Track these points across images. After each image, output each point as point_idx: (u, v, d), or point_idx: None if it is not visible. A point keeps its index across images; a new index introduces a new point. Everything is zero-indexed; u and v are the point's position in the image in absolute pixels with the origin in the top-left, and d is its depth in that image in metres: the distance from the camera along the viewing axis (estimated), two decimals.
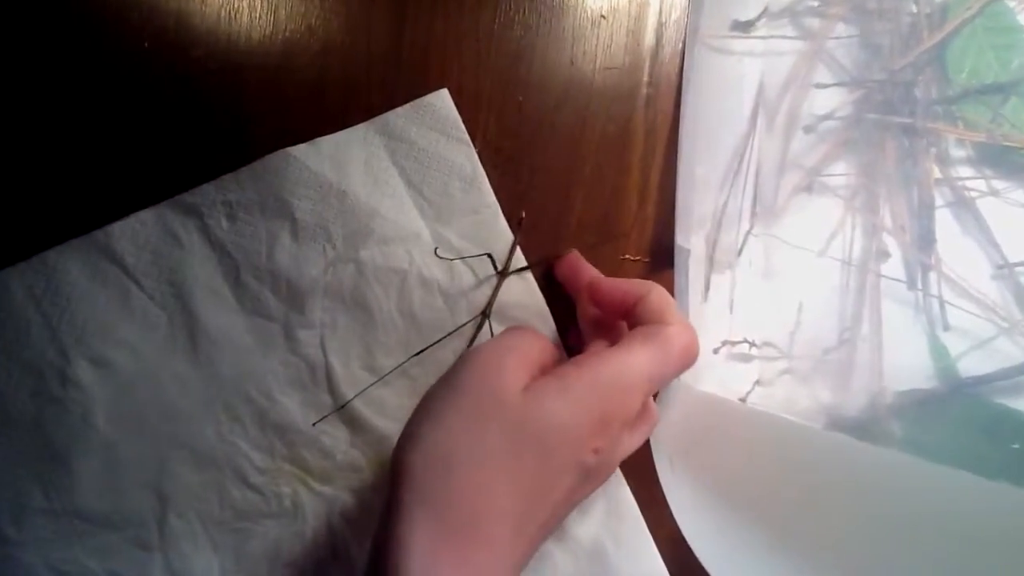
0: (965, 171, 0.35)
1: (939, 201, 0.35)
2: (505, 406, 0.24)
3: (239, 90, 0.33)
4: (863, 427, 0.35)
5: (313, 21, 0.33)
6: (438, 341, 0.33)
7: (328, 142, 0.32)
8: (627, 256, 0.35)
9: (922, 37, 0.34)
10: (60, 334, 0.31)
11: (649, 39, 0.36)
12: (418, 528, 0.22)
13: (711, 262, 0.34)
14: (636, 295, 0.28)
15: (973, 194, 0.35)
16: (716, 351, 0.33)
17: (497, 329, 0.33)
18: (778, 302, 0.34)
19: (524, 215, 0.34)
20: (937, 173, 0.35)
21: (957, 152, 0.35)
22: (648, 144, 0.36)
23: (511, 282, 0.34)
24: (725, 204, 0.34)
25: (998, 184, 0.35)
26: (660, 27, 0.36)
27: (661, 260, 0.35)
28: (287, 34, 0.33)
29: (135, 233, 0.31)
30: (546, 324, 0.34)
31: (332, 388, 0.32)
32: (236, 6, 0.33)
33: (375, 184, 0.33)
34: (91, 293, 0.31)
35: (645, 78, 0.36)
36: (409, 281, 0.33)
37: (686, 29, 0.35)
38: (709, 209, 0.34)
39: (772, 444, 0.28)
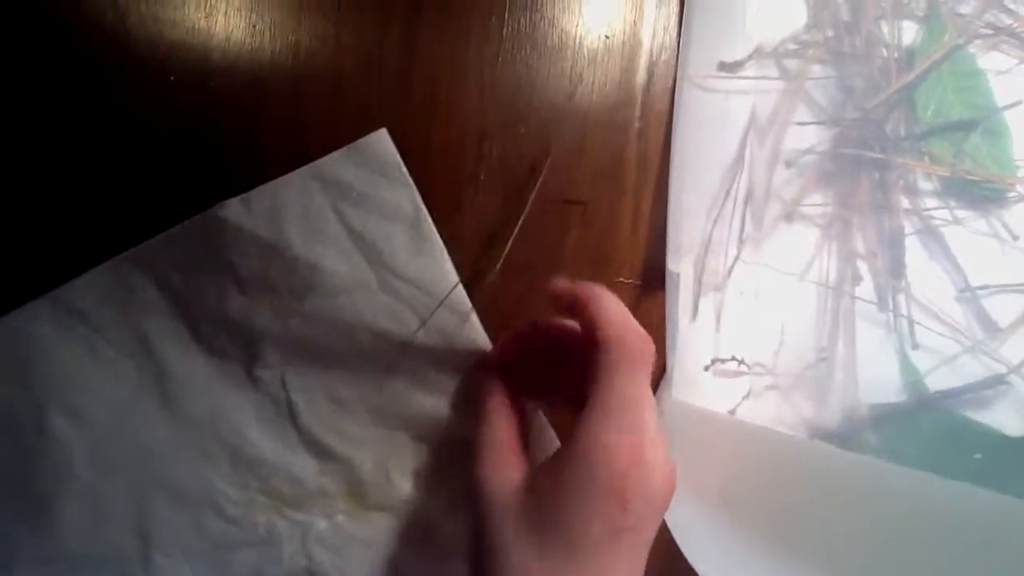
0: (931, 202, 0.38)
1: (908, 229, 0.38)
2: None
3: (255, 119, 0.34)
4: (840, 437, 0.38)
5: (328, 54, 0.35)
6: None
7: (261, 195, 0.32)
8: (620, 279, 0.38)
9: (892, 79, 0.37)
10: (34, 390, 0.31)
11: (641, 77, 0.38)
12: None
13: (699, 285, 0.37)
14: (586, 297, 0.28)
15: (939, 223, 0.38)
16: (707, 368, 0.35)
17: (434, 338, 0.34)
18: (762, 323, 0.37)
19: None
20: (906, 204, 0.38)
21: (924, 185, 0.38)
22: (640, 174, 0.38)
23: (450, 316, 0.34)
24: (712, 231, 0.37)
25: (961, 214, 0.38)
26: (651, 66, 0.38)
27: (652, 283, 0.38)
28: (303, 68, 0.35)
29: (93, 289, 0.32)
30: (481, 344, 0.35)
31: (296, 422, 0.33)
32: (256, 36, 0.35)
33: (315, 233, 0.32)
34: (60, 349, 0.32)
35: (637, 112, 0.38)
36: (358, 331, 0.33)
37: (676, 69, 0.38)
38: (697, 236, 0.37)
39: (760, 454, 0.31)
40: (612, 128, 0.38)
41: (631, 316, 0.28)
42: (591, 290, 0.28)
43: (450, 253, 0.37)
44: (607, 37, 0.38)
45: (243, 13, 0.34)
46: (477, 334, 0.34)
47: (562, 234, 0.38)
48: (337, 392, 0.33)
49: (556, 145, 0.37)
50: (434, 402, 0.34)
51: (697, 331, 0.36)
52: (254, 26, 0.34)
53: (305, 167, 0.32)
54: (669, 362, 0.36)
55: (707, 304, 0.37)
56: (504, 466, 0.28)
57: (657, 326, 0.37)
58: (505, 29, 0.37)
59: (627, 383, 0.26)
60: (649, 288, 0.38)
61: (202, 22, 0.34)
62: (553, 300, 0.30)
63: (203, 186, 0.33)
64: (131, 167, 0.33)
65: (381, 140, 0.33)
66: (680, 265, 0.36)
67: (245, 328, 0.32)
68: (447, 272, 0.34)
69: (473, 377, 0.33)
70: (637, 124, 0.38)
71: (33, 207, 0.33)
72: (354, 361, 0.33)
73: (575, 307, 0.28)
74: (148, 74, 0.33)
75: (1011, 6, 0.38)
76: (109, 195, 0.33)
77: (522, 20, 0.37)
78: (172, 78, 0.34)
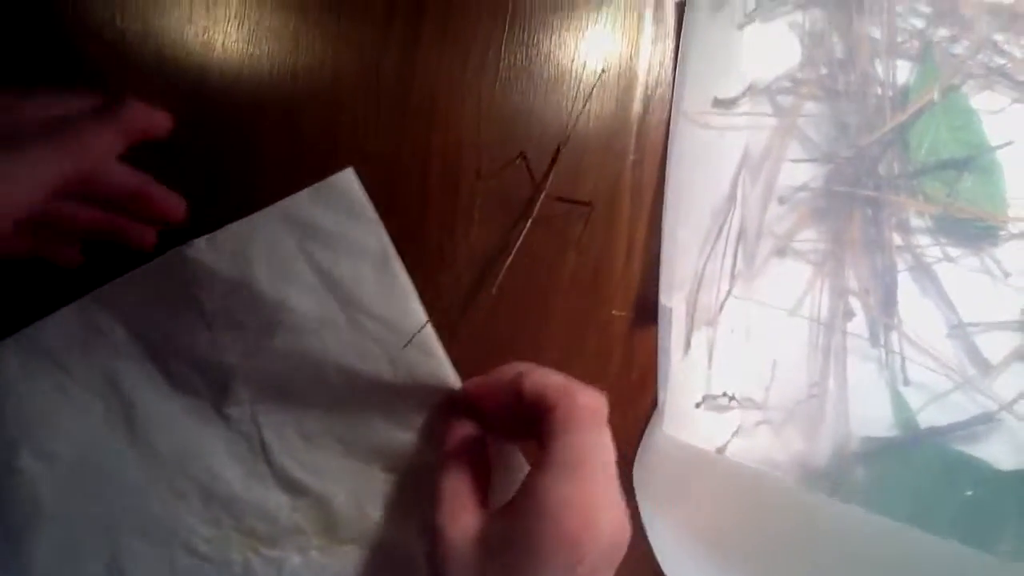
0: (924, 239, 0.38)
1: (900, 266, 0.38)
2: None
3: (255, 138, 0.34)
4: (831, 472, 0.38)
5: (327, 73, 0.35)
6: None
7: (228, 234, 0.32)
8: (614, 311, 0.38)
9: (886, 117, 0.37)
10: (2, 429, 0.32)
11: (637, 110, 0.39)
12: None
13: (692, 320, 0.37)
14: (508, 383, 0.29)
15: (931, 260, 0.38)
16: (698, 405, 0.35)
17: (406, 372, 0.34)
18: (754, 358, 0.37)
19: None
20: (898, 240, 0.38)
21: (917, 222, 0.38)
22: (635, 206, 0.39)
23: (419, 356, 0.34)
24: (705, 266, 0.37)
25: (953, 251, 0.38)
26: (647, 100, 0.39)
27: (645, 316, 0.38)
28: (303, 88, 0.35)
29: (61, 329, 0.32)
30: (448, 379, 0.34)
31: (268, 458, 0.33)
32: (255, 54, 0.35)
33: (282, 272, 0.32)
34: (29, 388, 0.32)
35: (632, 145, 0.39)
36: (327, 368, 0.33)
37: (671, 103, 0.38)
38: (690, 270, 0.37)
39: (746, 495, 0.31)
40: (607, 160, 0.38)
41: (571, 378, 0.29)
42: (515, 370, 0.30)
43: (444, 280, 0.37)
44: (603, 71, 0.39)
45: (241, 37, 0.34)
46: (446, 371, 0.34)
47: (557, 264, 0.38)
48: (308, 427, 0.34)
49: (552, 176, 0.38)
50: (404, 435, 0.34)
51: (689, 366, 0.36)
52: (251, 52, 0.34)
53: (272, 207, 0.32)
54: (661, 397, 0.36)
55: (699, 339, 0.37)
56: (462, 513, 0.28)
57: (649, 359, 0.38)
58: (502, 62, 0.38)
59: (577, 439, 0.26)
60: (641, 321, 0.38)
61: (200, 45, 0.34)
62: (479, 400, 0.32)
63: (198, 211, 0.33)
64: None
65: (347, 180, 0.33)
66: (673, 300, 0.36)
67: (214, 365, 0.33)
68: (415, 310, 0.34)
69: (439, 417, 0.34)
70: (632, 156, 0.39)
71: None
72: (324, 397, 0.33)
73: (508, 392, 0.29)
74: (146, 94, 0.33)
75: (1004, 47, 0.39)
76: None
77: (519, 54, 0.38)
78: (168, 95, 0.34)
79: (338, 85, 0.35)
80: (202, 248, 0.32)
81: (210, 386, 0.33)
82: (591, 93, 0.38)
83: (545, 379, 0.28)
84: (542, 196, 0.36)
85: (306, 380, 0.33)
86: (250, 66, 0.34)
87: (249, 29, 0.34)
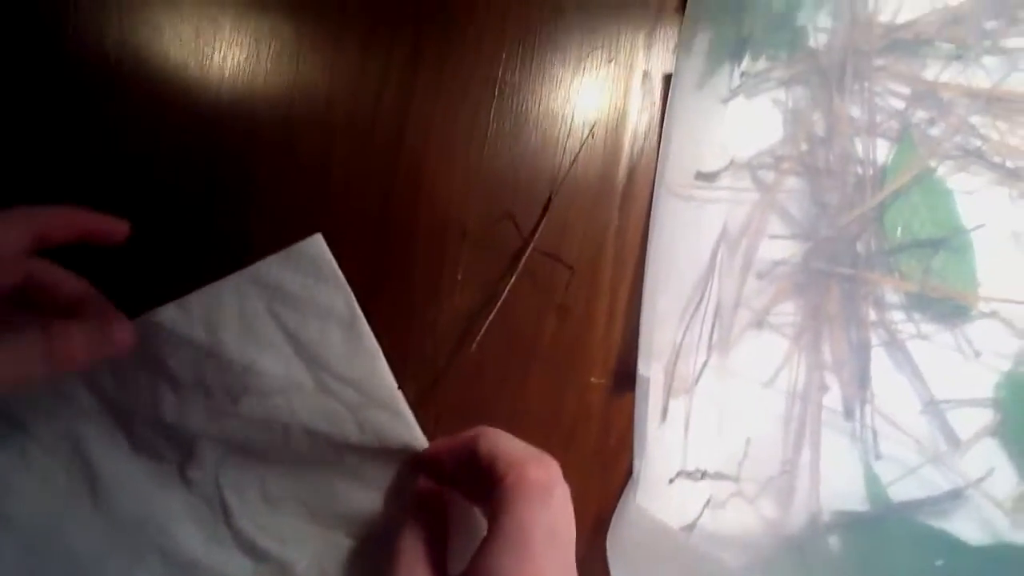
0: (898, 315, 0.39)
1: (875, 341, 0.39)
2: None
3: (250, 180, 0.35)
4: (803, 541, 0.39)
5: (323, 113, 0.36)
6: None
7: (198, 299, 0.32)
8: (593, 378, 0.38)
9: (865, 196, 0.38)
10: None
11: (621, 178, 0.39)
12: None
13: (669, 389, 0.37)
14: (465, 446, 0.30)
15: (905, 336, 0.39)
16: (671, 481, 0.36)
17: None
18: (729, 430, 0.37)
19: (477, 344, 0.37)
20: (873, 316, 0.39)
21: (892, 298, 0.39)
22: (617, 273, 0.39)
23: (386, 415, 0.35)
24: (684, 336, 0.38)
25: (927, 328, 0.39)
26: (631, 169, 0.39)
27: (624, 383, 0.38)
28: (299, 138, 0.36)
29: (26, 393, 0.32)
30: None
31: (230, 522, 0.33)
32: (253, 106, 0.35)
33: (251, 335, 0.33)
34: None
35: (616, 213, 0.39)
36: (293, 431, 0.33)
37: (655, 173, 0.39)
38: (669, 339, 0.38)
39: None
40: (591, 226, 0.39)
41: (527, 446, 0.30)
42: (476, 432, 0.30)
43: (427, 339, 0.38)
44: (591, 136, 0.39)
45: (238, 63, 0.35)
46: (413, 433, 0.34)
47: (539, 328, 0.39)
48: (271, 491, 0.34)
49: (536, 240, 0.38)
50: (369, 498, 0.34)
51: (665, 435, 0.37)
52: (248, 76, 0.35)
53: (241, 271, 0.33)
54: (636, 466, 0.36)
55: (677, 407, 0.37)
56: None
57: (627, 426, 0.38)
58: (490, 128, 0.38)
59: (525, 513, 0.27)
60: (620, 389, 0.38)
61: (197, 73, 0.34)
62: (438, 452, 0.32)
63: (193, 252, 0.34)
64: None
65: (316, 245, 0.33)
66: (651, 369, 0.37)
67: (179, 429, 0.33)
68: (383, 371, 0.34)
69: (400, 479, 0.34)
70: (616, 224, 0.39)
71: None
72: (289, 460, 0.33)
73: (465, 450, 0.30)
74: (143, 118, 0.34)
75: (981, 130, 0.40)
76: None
77: (507, 122, 0.38)
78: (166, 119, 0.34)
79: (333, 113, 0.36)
80: (172, 313, 0.32)
81: (174, 450, 0.33)
82: (576, 156, 0.39)
83: (498, 447, 0.29)
84: (529, 250, 0.37)
85: (272, 443, 0.33)
86: (246, 90, 0.35)
87: (247, 55, 0.35)
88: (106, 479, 0.33)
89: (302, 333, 0.33)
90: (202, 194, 0.35)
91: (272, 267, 0.33)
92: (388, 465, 0.34)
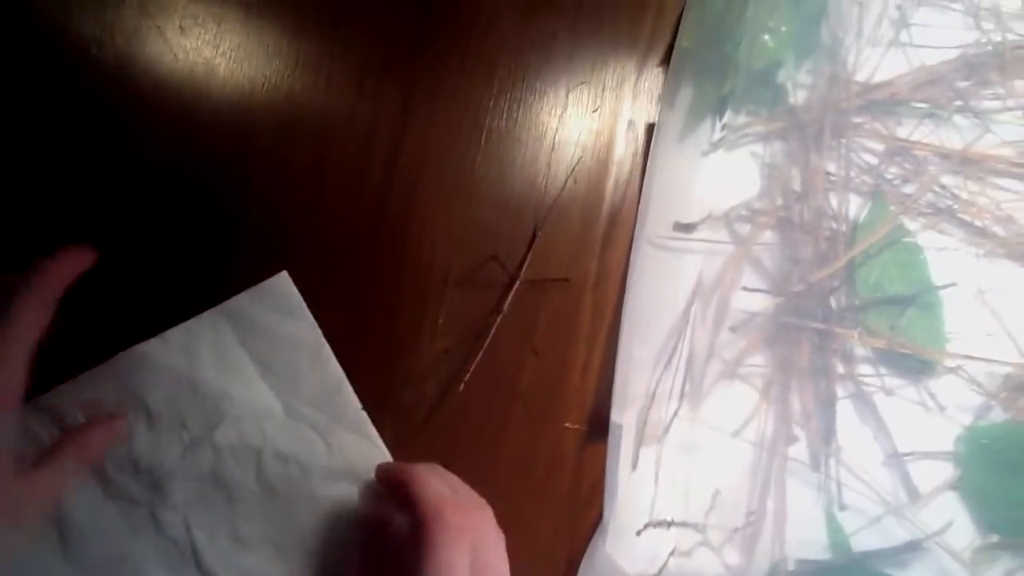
0: (865, 369, 0.40)
1: (841, 393, 0.40)
2: None
3: (241, 225, 0.37)
4: None
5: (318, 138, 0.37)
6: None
7: (177, 334, 0.35)
8: (567, 424, 0.39)
9: (838, 251, 0.39)
10: None
11: (601, 228, 0.40)
12: None
13: (641, 436, 0.38)
14: (401, 483, 0.31)
15: (871, 390, 0.40)
16: (639, 533, 0.36)
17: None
18: (697, 480, 0.38)
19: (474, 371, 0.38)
20: (841, 369, 0.40)
21: (860, 351, 0.40)
22: (594, 322, 0.40)
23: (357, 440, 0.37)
24: (657, 384, 0.38)
25: (892, 382, 0.40)
26: (611, 220, 0.40)
27: (597, 430, 0.39)
28: (294, 170, 0.37)
29: None
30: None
31: (199, 562, 0.34)
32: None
33: (225, 367, 0.35)
34: None
35: (595, 263, 0.40)
36: (265, 455, 0.35)
37: (633, 225, 0.39)
38: (643, 387, 0.38)
39: None
40: (571, 275, 0.39)
41: (455, 488, 0.32)
42: (411, 472, 0.32)
43: (407, 383, 0.38)
44: (574, 182, 0.40)
45: (231, 63, 0.36)
46: (379, 453, 0.36)
47: (517, 374, 0.39)
48: (241, 531, 0.35)
49: (516, 287, 0.39)
50: (337, 533, 0.35)
51: (636, 483, 0.37)
52: (243, 77, 0.37)
53: (215, 308, 0.35)
54: (606, 514, 0.37)
55: (648, 455, 0.38)
56: None
57: (599, 472, 0.38)
58: (476, 174, 0.39)
59: (445, 554, 0.28)
60: (593, 436, 0.39)
61: (187, 68, 0.36)
62: (380, 483, 0.34)
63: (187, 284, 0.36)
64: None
65: (283, 282, 0.36)
66: (624, 417, 0.37)
67: (152, 466, 0.34)
68: (348, 396, 0.36)
69: (359, 506, 0.35)
70: (595, 274, 0.40)
71: None
72: (259, 492, 0.35)
73: (398, 488, 0.31)
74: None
75: (953, 189, 0.41)
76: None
77: (493, 172, 0.39)
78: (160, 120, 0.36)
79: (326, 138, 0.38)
80: (155, 346, 0.34)
81: (145, 489, 0.34)
82: (554, 203, 0.39)
83: (426, 489, 0.30)
84: (517, 284, 0.38)
85: (243, 473, 0.35)
86: (242, 92, 0.37)
87: (239, 55, 0.37)
88: (77, 523, 0.33)
89: (272, 363, 0.36)
90: (193, 228, 0.36)
91: (242, 303, 0.36)
92: (351, 491, 0.36)
